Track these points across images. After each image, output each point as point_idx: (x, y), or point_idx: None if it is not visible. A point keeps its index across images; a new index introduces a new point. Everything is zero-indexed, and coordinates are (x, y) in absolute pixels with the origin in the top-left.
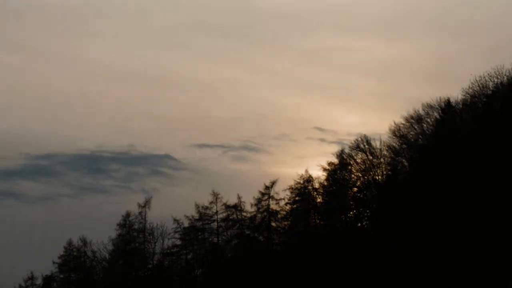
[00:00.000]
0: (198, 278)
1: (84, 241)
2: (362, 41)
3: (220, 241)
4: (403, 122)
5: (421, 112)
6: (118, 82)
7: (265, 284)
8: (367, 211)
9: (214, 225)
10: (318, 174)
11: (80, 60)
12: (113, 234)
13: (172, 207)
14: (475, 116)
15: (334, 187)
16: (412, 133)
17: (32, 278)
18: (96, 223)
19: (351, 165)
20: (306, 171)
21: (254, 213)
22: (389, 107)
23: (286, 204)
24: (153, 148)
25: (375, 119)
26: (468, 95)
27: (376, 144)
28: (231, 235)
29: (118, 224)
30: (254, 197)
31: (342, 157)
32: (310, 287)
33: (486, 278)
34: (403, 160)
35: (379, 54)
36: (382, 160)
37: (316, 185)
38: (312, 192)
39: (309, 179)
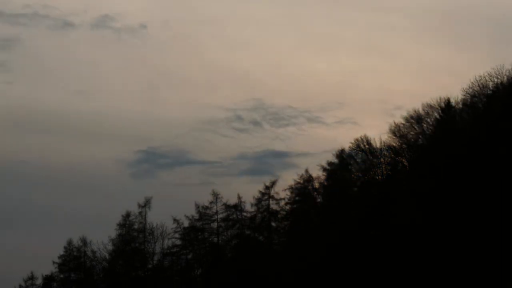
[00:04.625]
0: (198, 278)
1: (84, 241)
2: None
3: (220, 241)
4: (403, 122)
5: (421, 112)
6: None
7: (265, 284)
8: (367, 211)
9: (214, 225)
10: (318, 174)
11: None
12: (113, 234)
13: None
14: (475, 116)
15: (334, 187)
16: (412, 133)
17: (32, 278)
18: None
19: (351, 165)
20: (306, 171)
21: (254, 213)
22: None
23: (286, 204)
24: None
25: None
26: (468, 95)
27: (376, 144)
28: (231, 235)
29: (118, 224)
30: (254, 197)
31: (342, 157)
32: (309, 287)
33: (486, 278)
34: (403, 160)
35: None
36: (382, 160)
37: (316, 185)
38: (312, 192)
39: (309, 179)
